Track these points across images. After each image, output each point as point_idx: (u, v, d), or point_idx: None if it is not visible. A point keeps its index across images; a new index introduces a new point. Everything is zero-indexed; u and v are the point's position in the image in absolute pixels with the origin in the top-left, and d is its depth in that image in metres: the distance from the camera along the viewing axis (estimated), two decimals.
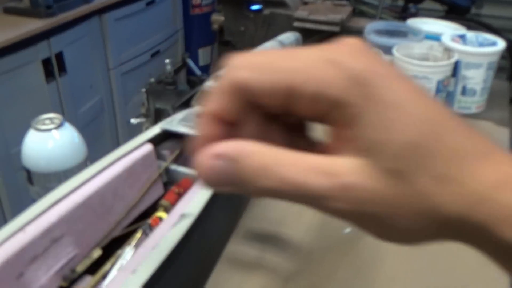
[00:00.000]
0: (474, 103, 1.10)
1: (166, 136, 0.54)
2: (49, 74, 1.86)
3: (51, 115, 0.59)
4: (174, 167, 0.52)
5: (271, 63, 0.23)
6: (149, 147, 0.50)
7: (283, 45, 0.64)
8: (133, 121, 0.83)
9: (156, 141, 0.52)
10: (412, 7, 2.82)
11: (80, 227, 0.42)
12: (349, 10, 1.25)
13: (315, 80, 0.22)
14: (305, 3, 1.27)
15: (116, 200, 0.46)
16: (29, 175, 0.59)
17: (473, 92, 1.08)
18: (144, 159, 0.49)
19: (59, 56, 1.89)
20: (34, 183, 0.59)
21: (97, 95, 2.16)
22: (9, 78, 1.70)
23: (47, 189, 0.60)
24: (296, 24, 1.21)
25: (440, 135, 0.22)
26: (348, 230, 0.80)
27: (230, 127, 0.24)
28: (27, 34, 1.74)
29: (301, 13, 1.21)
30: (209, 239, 0.43)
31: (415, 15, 2.81)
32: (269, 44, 0.63)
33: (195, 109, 0.54)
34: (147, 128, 0.85)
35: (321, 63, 0.22)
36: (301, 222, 0.82)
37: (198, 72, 0.77)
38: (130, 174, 0.47)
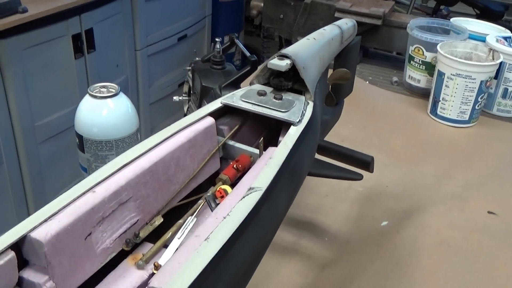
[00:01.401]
0: None
1: (224, 111, 0.53)
2: (78, 50, 1.86)
3: (107, 83, 0.59)
4: (231, 142, 0.51)
5: None
6: (210, 120, 0.49)
7: (341, 30, 0.64)
8: (176, 98, 0.82)
9: (215, 115, 0.51)
10: (443, 9, 2.79)
11: (144, 193, 0.42)
12: (391, 4, 1.23)
13: None
14: None
15: (178, 170, 0.46)
16: (81, 142, 0.59)
17: None
18: (205, 131, 0.48)
19: (89, 33, 1.89)
20: (85, 150, 0.59)
21: (122, 75, 2.16)
22: (39, 51, 1.71)
23: (97, 157, 0.60)
24: (337, 14, 1.20)
25: None
26: (385, 223, 0.79)
27: None
28: (59, 8, 1.74)
29: (343, 4, 1.20)
30: (273, 215, 0.43)
31: (446, 17, 2.78)
32: (328, 28, 0.62)
33: (255, 86, 0.54)
34: (188, 107, 0.85)
35: None
36: (338, 211, 0.81)
37: (247, 53, 0.76)
38: (192, 145, 0.47)
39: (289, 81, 0.53)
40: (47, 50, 1.73)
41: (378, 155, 0.92)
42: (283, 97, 0.51)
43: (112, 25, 2.01)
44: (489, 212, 0.82)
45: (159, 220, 0.43)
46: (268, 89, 0.53)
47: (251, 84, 0.55)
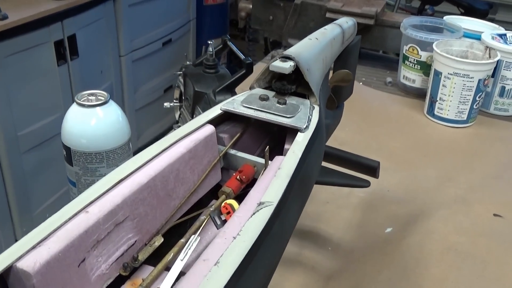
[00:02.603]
0: (511, 105, 1.07)
1: (223, 118, 0.49)
2: (60, 57, 1.81)
3: (95, 91, 0.55)
4: (233, 151, 0.48)
5: None
6: (211, 128, 0.46)
7: (342, 29, 0.60)
8: (166, 105, 0.79)
9: (214, 122, 0.48)
10: (428, 8, 2.78)
11: (142, 211, 0.38)
12: (383, 3, 1.21)
13: None
14: None
15: (178, 184, 0.42)
16: (69, 154, 0.54)
17: None
18: (206, 141, 0.45)
19: (72, 39, 1.84)
20: (74, 163, 0.55)
21: (107, 81, 2.11)
22: (20, 59, 1.65)
23: (87, 170, 0.56)
24: (328, 15, 1.17)
25: None
26: (389, 229, 0.76)
27: None
28: (40, 14, 1.69)
29: (334, 4, 1.17)
30: (285, 231, 0.39)
31: (431, 16, 2.78)
32: (329, 27, 0.59)
33: (256, 91, 0.50)
34: (180, 114, 0.81)
35: None
36: (340, 218, 0.78)
37: (241, 55, 0.72)
38: (192, 156, 0.43)
39: (292, 84, 0.50)
40: (29, 57, 1.68)
41: (377, 158, 0.89)
42: (287, 102, 0.48)
43: (95, 31, 1.96)
44: (494, 215, 0.79)
45: (159, 240, 0.39)
46: (271, 93, 0.49)
47: (251, 88, 0.51)
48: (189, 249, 0.38)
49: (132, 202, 0.37)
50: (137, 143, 2.32)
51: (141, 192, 0.38)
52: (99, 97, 0.54)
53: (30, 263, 0.30)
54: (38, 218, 1.80)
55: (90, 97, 0.54)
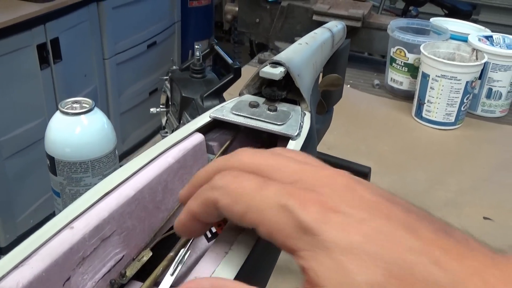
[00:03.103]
0: (498, 107, 1.07)
1: (212, 126, 0.48)
2: (43, 61, 1.78)
3: (79, 98, 0.53)
4: None
5: (246, 195, 0.26)
6: (200, 136, 0.44)
7: (332, 32, 0.59)
8: (153, 110, 0.77)
9: (203, 130, 0.46)
10: (413, 10, 2.80)
11: (129, 225, 0.37)
12: (369, 5, 1.20)
13: (268, 224, 0.25)
14: None
15: (166, 195, 0.41)
16: (53, 164, 0.53)
17: (499, 95, 1.05)
18: (195, 150, 0.43)
19: (55, 42, 1.81)
20: (58, 173, 0.53)
21: (91, 85, 2.09)
22: (3, 63, 1.62)
23: (71, 180, 0.54)
24: (315, 17, 1.16)
25: (404, 271, 0.22)
26: None
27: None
28: (22, 17, 1.66)
29: (321, 6, 1.16)
30: None
31: (415, 17, 2.79)
32: (318, 31, 0.58)
33: (246, 97, 0.49)
34: (167, 120, 0.80)
35: (276, 208, 0.25)
36: None
37: (229, 60, 0.71)
38: (181, 165, 0.42)
39: (282, 90, 0.48)
40: (11, 61, 1.65)
41: (366, 161, 0.88)
42: (277, 108, 0.47)
43: (78, 34, 1.94)
44: (485, 218, 0.79)
45: (147, 255, 0.38)
46: (261, 100, 0.48)
47: (240, 94, 0.50)
48: (179, 263, 0.37)
49: (119, 216, 0.36)
50: (122, 147, 2.29)
51: (129, 205, 0.37)
52: (84, 105, 0.53)
53: (12, 284, 0.28)
54: (22, 224, 1.77)
55: (74, 105, 0.53)
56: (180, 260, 0.36)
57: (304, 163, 0.29)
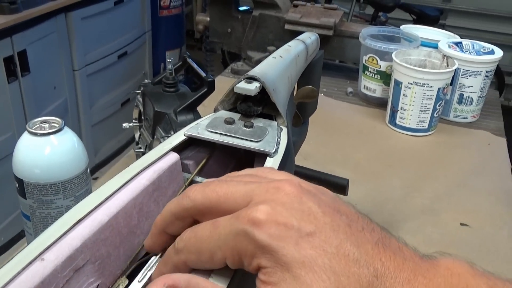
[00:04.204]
0: (470, 112, 1.09)
1: (187, 143, 0.47)
2: (11, 74, 1.74)
3: (48, 117, 0.52)
4: (199, 179, 0.45)
5: (205, 242, 0.28)
6: (175, 156, 0.43)
7: (305, 44, 0.59)
8: (125, 125, 0.75)
9: (178, 148, 0.45)
10: (382, 15, 2.83)
11: (104, 252, 0.35)
12: (340, 14, 1.21)
13: (232, 253, 0.27)
14: (295, 6, 1.22)
15: (141, 218, 0.39)
16: (22, 186, 0.51)
17: (470, 101, 1.06)
18: (170, 170, 0.42)
19: (22, 55, 1.77)
20: (27, 196, 0.51)
21: (61, 97, 2.04)
22: None
23: (42, 202, 0.52)
24: (287, 26, 1.16)
25: (351, 282, 0.25)
26: None
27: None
28: None
29: (293, 15, 1.16)
30: None
31: (384, 23, 2.83)
32: (292, 43, 0.57)
33: (221, 113, 0.48)
34: (140, 134, 0.78)
35: (233, 237, 0.27)
36: None
37: (202, 73, 0.70)
38: (156, 187, 0.40)
39: (258, 106, 0.48)
40: None
41: (342, 171, 0.88)
42: (254, 124, 0.46)
43: (47, 46, 1.89)
44: (461, 224, 0.79)
45: (124, 283, 0.36)
46: (236, 116, 0.47)
47: (215, 110, 0.49)
48: (149, 270, 0.35)
49: (92, 244, 0.34)
50: (94, 159, 2.25)
51: (102, 232, 0.35)
52: (53, 124, 0.51)
53: None
54: None
55: (42, 125, 0.51)
56: (150, 268, 0.35)
57: (251, 182, 0.30)
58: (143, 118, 0.76)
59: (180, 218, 0.32)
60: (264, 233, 0.26)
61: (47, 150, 0.50)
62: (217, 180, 0.32)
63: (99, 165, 2.25)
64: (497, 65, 1.05)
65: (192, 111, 0.69)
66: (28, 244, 0.33)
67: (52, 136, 0.50)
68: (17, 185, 0.51)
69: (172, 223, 0.32)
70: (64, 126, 0.51)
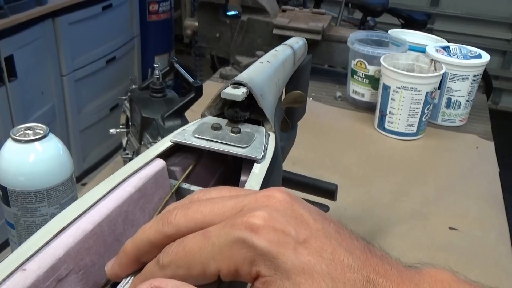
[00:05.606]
0: (458, 116, 1.09)
1: (174, 149, 0.46)
2: None
3: (32, 124, 0.51)
4: (186, 186, 0.45)
5: (197, 253, 0.27)
6: (161, 162, 0.43)
7: (293, 49, 0.59)
8: (112, 131, 0.75)
9: (164, 155, 0.45)
10: (370, 20, 2.85)
11: (88, 261, 0.35)
12: (328, 18, 1.21)
13: (228, 262, 0.26)
14: (284, 11, 1.22)
15: (127, 226, 0.39)
16: (5, 194, 0.50)
17: (458, 105, 1.07)
18: (156, 177, 0.42)
19: (9, 60, 1.75)
20: (11, 204, 0.50)
21: (48, 103, 2.03)
22: None
23: (26, 210, 0.51)
24: (275, 31, 1.16)
25: (352, 284, 0.25)
26: None
27: None
28: None
29: (281, 20, 1.16)
30: None
31: (373, 28, 2.84)
32: (280, 48, 0.57)
33: (208, 119, 0.47)
34: (128, 140, 0.77)
35: (230, 245, 0.26)
36: None
37: (190, 78, 0.70)
38: (141, 195, 0.40)
39: (245, 111, 0.47)
40: None
41: (332, 176, 0.88)
42: (241, 130, 0.45)
43: (34, 51, 1.88)
44: (450, 228, 0.79)
45: None
46: (223, 122, 0.47)
47: (202, 116, 0.48)
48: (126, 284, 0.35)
49: (76, 253, 0.34)
50: (83, 165, 2.23)
51: (87, 241, 0.34)
52: (37, 131, 0.50)
53: None
54: None
55: (27, 131, 0.50)
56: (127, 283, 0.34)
57: (235, 196, 0.29)
58: (130, 123, 0.75)
59: (160, 247, 0.29)
60: (264, 239, 0.26)
61: (31, 157, 0.49)
62: (196, 200, 0.30)
63: (87, 171, 2.24)
64: (485, 69, 1.06)
65: (179, 117, 0.68)
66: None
67: (36, 143, 0.49)
68: (0, 193, 0.50)
69: (148, 252, 0.30)
70: (48, 133, 0.50)
